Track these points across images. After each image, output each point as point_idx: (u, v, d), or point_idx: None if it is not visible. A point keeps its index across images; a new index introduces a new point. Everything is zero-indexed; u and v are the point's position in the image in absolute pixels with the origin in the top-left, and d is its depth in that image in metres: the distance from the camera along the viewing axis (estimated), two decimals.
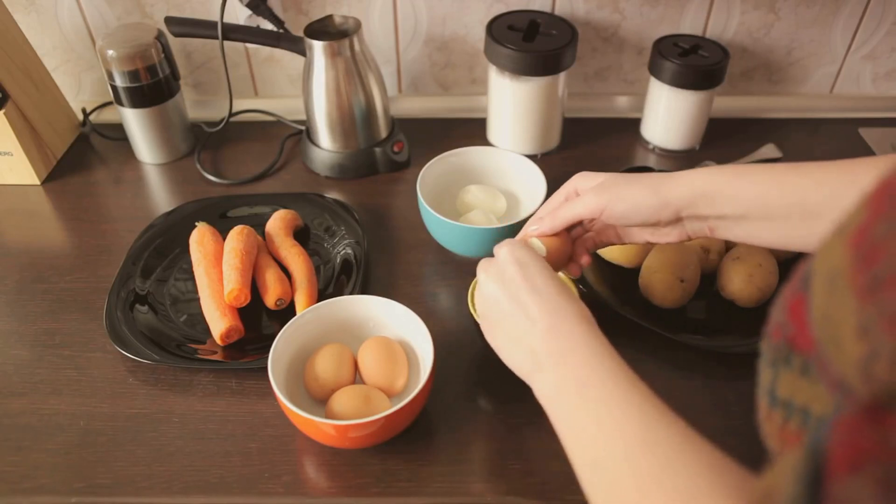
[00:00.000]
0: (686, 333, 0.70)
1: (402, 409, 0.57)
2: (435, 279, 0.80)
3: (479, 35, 1.01)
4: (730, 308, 0.74)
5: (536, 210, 0.66)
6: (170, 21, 0.89)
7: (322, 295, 0.76)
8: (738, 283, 0.72)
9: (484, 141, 1.01)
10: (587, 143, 1.02)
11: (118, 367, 0.70)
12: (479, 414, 0.65)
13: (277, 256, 0.78)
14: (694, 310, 0.74)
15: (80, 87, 1.08)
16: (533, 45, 0.89)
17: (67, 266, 0.81)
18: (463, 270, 0.80)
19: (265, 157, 0.98)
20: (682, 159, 0.98)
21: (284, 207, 0.85)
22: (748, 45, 1.02)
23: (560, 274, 0.67)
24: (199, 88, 1.08)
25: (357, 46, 0.88)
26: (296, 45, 0.90)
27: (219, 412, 0.66)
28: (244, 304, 0.72)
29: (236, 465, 0.61)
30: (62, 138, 0.99)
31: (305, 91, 0.91)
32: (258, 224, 0.82)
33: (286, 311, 0.74)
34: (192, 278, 0.76)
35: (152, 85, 0.92)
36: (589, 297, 0.73)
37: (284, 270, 0.77)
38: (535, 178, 0.82)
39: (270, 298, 0.73)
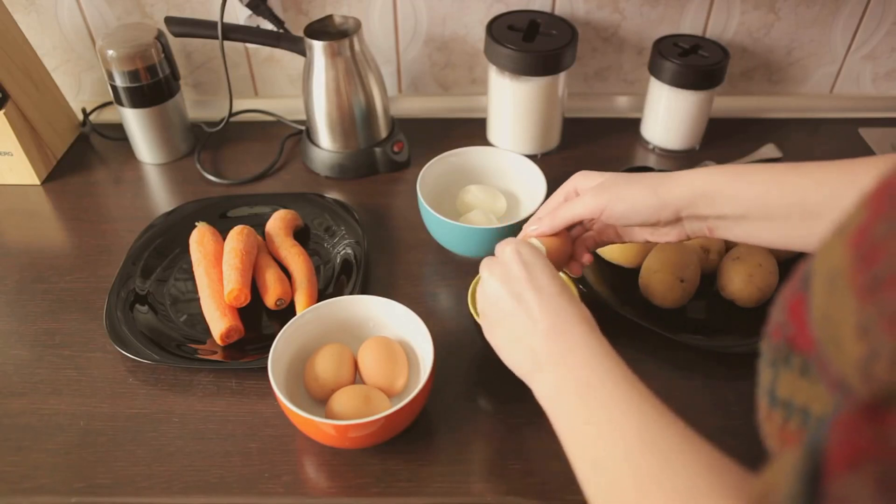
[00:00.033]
0: (686, 333, 0.70)
1: (402, 409, 0.57)
2: (435, 279, 0.80)
3: (479, 35, 1.01)
4: (730, 308, 0.74)
5: (536, 210, 0.66)
6: (170, 21, 0.89)
7: (322, 295, 0.76)
8: (738, 283, 0.72)
9: (484, 141, 1.01)
10: (587, 143, 1.02)
11: (118, 367, 0.70)
12: (479, 414, 0.65)
13: (277, 256, 0.78)
14: (694, 310, 0.74)
15: (80, 87, 1.08)
16: (533, 45, 0.89)
17: (67, 266, 0.81)
18: (463, 270, 0.80)
19: (265, 157, 0.98)
20: (682, 159, 0.98)
21: (284, 207, 0.85)
22: (748, 45, 1.02)
23: (560, 273, 0.67)
24: (199, 88, 1.08)
25: (357, 46, 0.88)
26: (296, 45, 0.90)
27: (219, 412, 0.66)
28: (244, 304, 0.72)
29: (236, 465, 0.61)
30: (62, 138, 0.99)
31: (305, 91, 0.91)
32: (258, 224, 0.82)
33: (286, 311, 0.74)
34: (192, 278, 0.76)
35: (152, 85, 0.92)
36: (589, 297, 0.73)
37: (284, 270, 0.77)
38: (535, 178, 0.82)
39: (270, 298, 0.73)
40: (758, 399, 0.34)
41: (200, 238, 0.78)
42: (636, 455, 0.40)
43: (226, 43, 0.90)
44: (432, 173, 0.83)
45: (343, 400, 0.60)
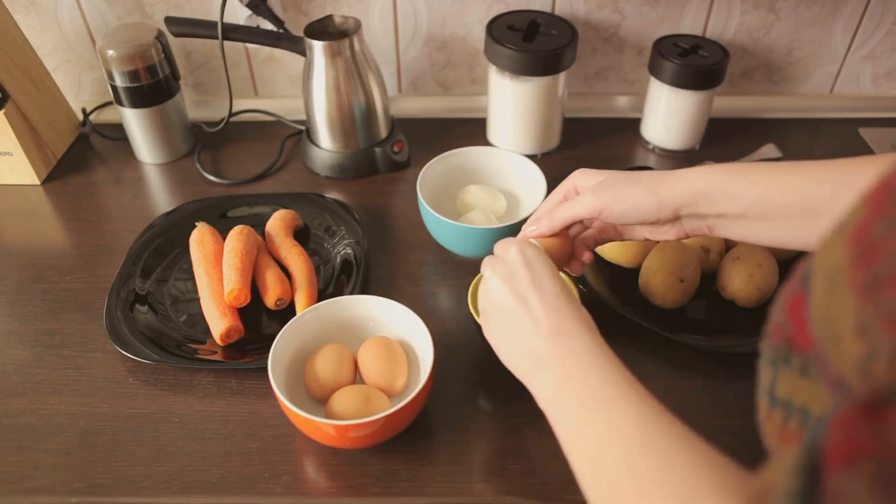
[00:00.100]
0: (686, 333, 0.70)
1: (402, 409, 0.57)
2: (435, 279, 0.80)
3: (479, 35, 1.01)
4: (730, 308, 0.74)
5: (536, 209, 0.66)
6: (170, 21, 0.89)
7: (322, 295, 0.76)
8: (738, 283, 0.72)
9: (484, 141, 1.01)
10: (587, 143, 1.02)
11: (118, 367, 0.70)
12: (479, 414, 0.65)
13: (277, 256, 0.78)
14: (694, 310, 0.74)
15: (80, 87, 1.08)
16: (533, 45, 0.89)
17: (67, 266, 0.81)
18: (463, 270, 0.80)
19: (265, 157, 0.98)
20: (682, 159, 0.98)
21: (284, 207, 0.85)
22: (748, 45, 1.02)
23: (560, 273, 0.67)
24: (199, 88, 1.08)
25: (357, 46, 0.88)
26: (296, 45, 0.90)
27: (219, 412, 0.66)
28: (244, 304, 0.72)
29: (236, 465, 0.61)
30: (62, 138, 0.99)
31: (305, 91, 0.91)
32: (258, 224, 0.82)
33: (286, 311, 0.74)
34: (192, 278, 0.76)
35: (152, 85, 0.92)
36: (589, 297, 0.73)
37: (284, 270, 0.77)
38: (535, 178, 0.82)
39: (270, 298, 0.73)
40: (758, 399, 0.34)
41: (200, 238, 0.78)
42: (635, 455, 0.40)
43: (226, 43, 0.90)
44: (432, 173, 0.83)
45: (343, 400, 0.60)
